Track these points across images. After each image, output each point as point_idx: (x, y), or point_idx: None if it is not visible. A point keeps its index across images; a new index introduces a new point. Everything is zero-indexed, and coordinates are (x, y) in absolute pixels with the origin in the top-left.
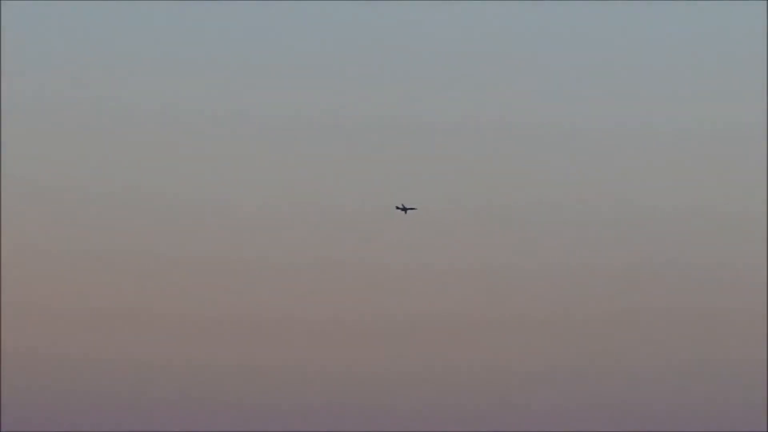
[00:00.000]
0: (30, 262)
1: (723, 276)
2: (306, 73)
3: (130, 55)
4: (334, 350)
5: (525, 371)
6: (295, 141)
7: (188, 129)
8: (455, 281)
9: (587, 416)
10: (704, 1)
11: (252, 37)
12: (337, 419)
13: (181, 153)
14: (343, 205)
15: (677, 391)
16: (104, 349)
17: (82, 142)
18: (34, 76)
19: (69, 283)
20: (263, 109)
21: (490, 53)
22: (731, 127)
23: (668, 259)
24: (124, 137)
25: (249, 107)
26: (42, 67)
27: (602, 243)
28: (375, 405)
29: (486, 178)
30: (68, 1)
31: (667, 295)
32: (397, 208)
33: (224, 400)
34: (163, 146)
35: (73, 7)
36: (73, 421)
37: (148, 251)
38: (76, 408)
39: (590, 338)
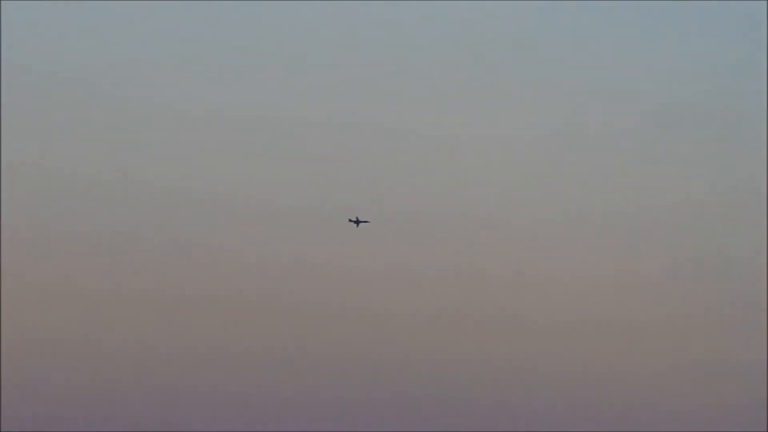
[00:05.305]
0: (29, 265)
1: (724, 274)
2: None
3: (129, 54)
4: (343, 342)
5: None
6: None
7: (183, 125)
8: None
9: (588, 415)
10: (704, 1)
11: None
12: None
13: (179, 147)
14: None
15: (678, 391)
16: (103, 343)
17: (81, 138)
18: (34, 76)
19: (69, 277)
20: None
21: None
22: (730, 125)
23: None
24: (122, 133)
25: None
26: (42, 67)
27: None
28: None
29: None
30: (68, 1)
31: (667, 296)
32: (350, 220)
33: (227, 389)
34: (160, 141)
35: (73, 7)
36: (73, 419)
37: (149, 239)
38: (75, 406)
39: (590, 342)
